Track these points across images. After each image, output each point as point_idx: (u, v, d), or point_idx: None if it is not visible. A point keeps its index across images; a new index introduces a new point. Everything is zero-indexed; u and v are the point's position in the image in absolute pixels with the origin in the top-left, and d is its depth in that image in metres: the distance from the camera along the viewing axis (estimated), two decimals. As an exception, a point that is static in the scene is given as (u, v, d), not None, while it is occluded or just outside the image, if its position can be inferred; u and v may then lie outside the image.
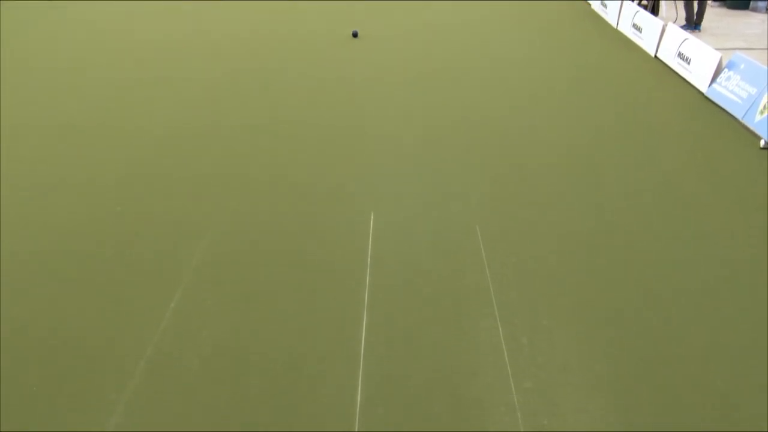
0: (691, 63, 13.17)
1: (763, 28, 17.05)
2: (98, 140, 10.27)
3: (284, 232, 7.95)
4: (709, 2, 17.36)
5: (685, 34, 13.74)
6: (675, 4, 17.46)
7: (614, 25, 17.44)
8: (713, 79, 12.32)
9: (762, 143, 10.44)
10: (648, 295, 6.57)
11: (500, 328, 6.37)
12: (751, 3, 19.18)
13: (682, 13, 16.87)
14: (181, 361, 5.88)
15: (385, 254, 7.52)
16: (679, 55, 13.68)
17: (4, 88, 12.54)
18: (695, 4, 16.42)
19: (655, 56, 14.71)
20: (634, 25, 16.11)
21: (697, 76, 12.89)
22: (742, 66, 11.71)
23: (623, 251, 7.55)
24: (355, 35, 13.99)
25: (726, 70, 12.14)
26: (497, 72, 13.59)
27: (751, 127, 10.98)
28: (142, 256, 7.36)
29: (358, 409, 5.40)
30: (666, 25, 14.57)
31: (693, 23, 16.37)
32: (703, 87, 12.57)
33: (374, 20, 17.48)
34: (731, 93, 11.82)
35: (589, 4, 19.60)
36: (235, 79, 13.10)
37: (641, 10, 15.92)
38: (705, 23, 16.69)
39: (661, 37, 14.61)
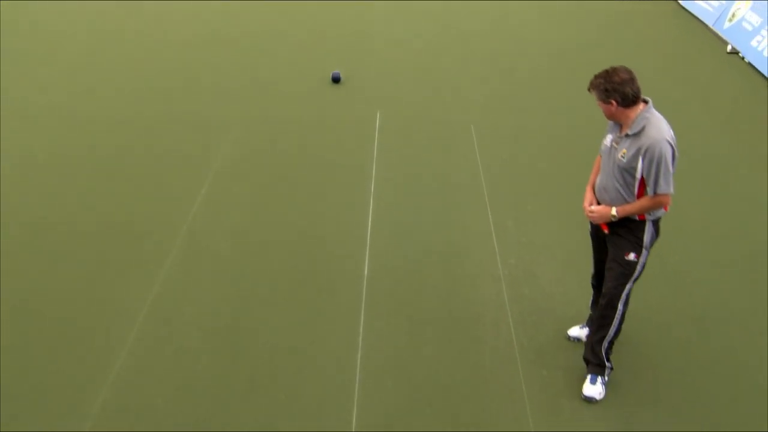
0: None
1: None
2: (135, 49, 10.24)
3: (299, 128, 7.97)
4: None
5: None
6: None
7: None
8: (688, -11, 12.12)
9: (728, 48, 10.42)
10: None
11: (490, 214, 6.46)
12: None
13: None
14: (213, 238, 5.99)
15: (389, 149, 7.54)
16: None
17: None
18: None
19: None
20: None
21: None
22: (715, -23, 11.41)
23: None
24: (336, 80, 8.36)
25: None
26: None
27: (720, 34, 10.92)
28: (177, 150, 7.39)
29: (365, 281, 5.51)
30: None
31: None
32: (678, -4, 12.37)
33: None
34: (704, 2, 11.70)
35: None
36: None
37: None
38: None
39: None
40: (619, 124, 4.15)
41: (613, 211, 4.16)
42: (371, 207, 6.54)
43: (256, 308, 5.25)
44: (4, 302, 5.24)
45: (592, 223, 4.58)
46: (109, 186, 6.74)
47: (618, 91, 3.95)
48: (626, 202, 4.17)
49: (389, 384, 4.66)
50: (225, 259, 5.75)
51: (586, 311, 4.98)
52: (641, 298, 5.27)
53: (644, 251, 4.28)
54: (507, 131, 8.10)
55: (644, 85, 4.11)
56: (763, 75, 9.72)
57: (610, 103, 3.99)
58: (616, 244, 4.34)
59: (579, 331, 4.95)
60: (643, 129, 3.98)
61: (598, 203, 4.37)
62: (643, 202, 4.09)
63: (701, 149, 7.71)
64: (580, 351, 4.77)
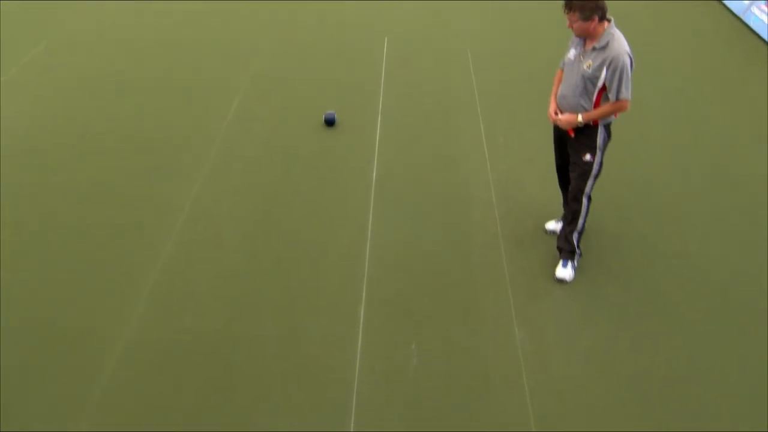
0: None
1: None
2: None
3: (318, 55, 8.00)
4: None
5: None
6: None
7: None
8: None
9: None
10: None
11: (482, 128, 6.58)
12: None
13: None
14: (242, 148, 6.13)
15: (395, 73, 7.62)
16: None
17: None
18: None
19: None
20: None
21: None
22: None
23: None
24: (329, 122, 6.45)
25: None
26: None
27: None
28: (208, 72, 7.47)
29: (373, 188, 5.68)
30: None
31: None
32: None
33: None
34: None
35: None
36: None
37: None
38: None
39: None
40: (583, 40, 4.26)
41: (579, 117, 4.29)
42: (379, 122, 6.67)
43: (281, 205, 5.44)
44: (67, 189, 5.49)
45: (555, 131, 4.71)
46: (157, 101, 6.85)
47: (600, 8, 4.07)
48: (584, 108, 4.31)
49: (392, 265, 4.87)
50: (253, 162, 5.93)
51: (561, 209, 5.13)
52: (609, 200, 5.51)
53: (598, 152, 4.44)
54: (499, 56, 8.15)
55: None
56: None
57: (592, 20, 4.08)
58: (575, 148, 4.50)
59: (554, 225, 5.14)
60: (608, 43, 4.11)
61: (561, 111, 4.49)
62: (606, 107, 4.24)
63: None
64: (555, 242, 4.95)
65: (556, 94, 4.56)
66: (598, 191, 4.83)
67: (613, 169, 5.72)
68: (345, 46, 8.29)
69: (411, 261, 4.94)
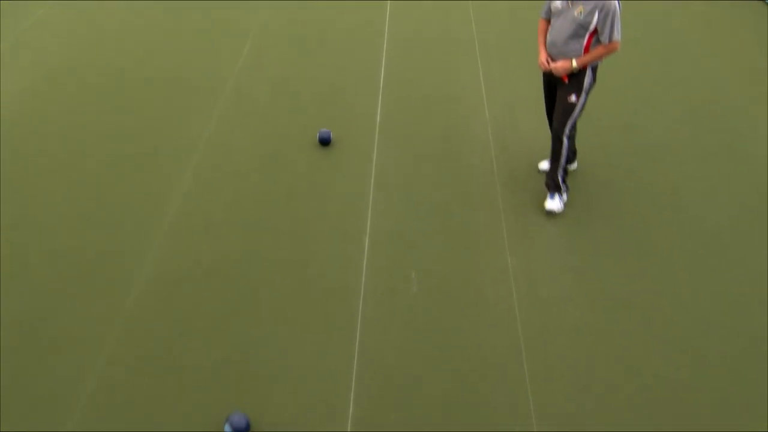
0: None
1: None
2: None
3: (319, 17, 7.83)
4: None
5: None
6: None
7: None
8: None
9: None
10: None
11: (480, 68, 6.66)
12: None
13: None
14: (254, 90, 6.19)
15: (398, 27, 7.56)
16: None
17: None
18: None
19: None
20: None
21: None
22: None
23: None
24: (324, 141, 5.49)
25: None
26: None
27: None
28: (221, 20, 7.48)
29: (377, 127, 5.77)
30: None
31: None
32: None
33: None
34: None
35: None
36: None
37: None
38: None
39: None
40: None
41: (574, 63, 4.35)
42: (384, 61, 6.73)
43: (291, 141, 5.54)
44: (92, 125, 5.60)
45: (545, 77, 4.76)
46: (172, 45, 6.91)
47: None
48: (576, 53, 4.36)
49: (395, 198, 5.00)
50: (264, 104, 6.00)
51: None
52: (598, 142, 5.62)
53: (583, 94, 4.51)
54: (499, 5, 8.11)
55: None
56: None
57: None
58: (563, 90, 4.55)
59: (547, 165, 5.16)
60: None
61: (553, 59, 4.53)
62: (599, 50, 4.30)
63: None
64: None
65: (544, 43, 4.61)
66: (588, 135, 4.98)
67: (602, 114, 5.87)
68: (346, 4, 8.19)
69: (411, 191, 5.06)
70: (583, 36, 4.31)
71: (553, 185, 4.83)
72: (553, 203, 4.83)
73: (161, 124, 5.71)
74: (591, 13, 4.21)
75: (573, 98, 4.51)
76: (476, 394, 3.67)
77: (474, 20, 7.77)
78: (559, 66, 4.43)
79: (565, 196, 4.90)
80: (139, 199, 4.90)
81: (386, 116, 5.91)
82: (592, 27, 4.25)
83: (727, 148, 5.72)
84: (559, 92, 4.62)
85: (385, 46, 7.10)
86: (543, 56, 4.57)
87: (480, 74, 6.61)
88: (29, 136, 5.50)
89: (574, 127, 4.69)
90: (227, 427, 3.36)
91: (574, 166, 5.25)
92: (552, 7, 4.47)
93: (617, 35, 4.27)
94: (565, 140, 4.67)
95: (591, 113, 5.33)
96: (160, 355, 3.80)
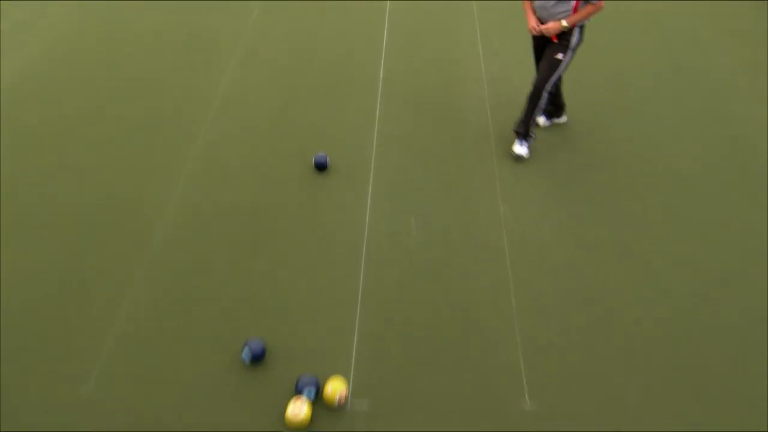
0: None
1: None
2: None
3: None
4: None
5: None
6: None
7: None
8: None
9: None
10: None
11: (478, 31, 6.71)
12: None
13: None
14: (264, 47, 6.29)
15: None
16: None
17: None
18: None
19: None
20: None
21: None
22: None
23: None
24: (320, 165, 4.87)
25: None
26: None
27: None
28: None
29: (381, 81, 5.88)
30: None
31: None
32: None
33: None
34: None
35: None
36: None
37: None
38: None
39: None
40: None
41: (564, 23, 4.42)
42: (386, 24, 6.79)
43: (301, 96, 5.67)
44: (114, 80, 5.72)
45: (534, 40, 4.82)
46: (189, 13, 6.97)
47: None
48: (565, 13, 4.42)
49: (397, 150, 5.13)
50: (274, 62, 6.11)
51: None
52: (584, 100, 5.70)
53: (570, 52, 4.58)
54: None
55: None
56: None
57: None
58: (552, 48, 4.62)
59: (541, 119, 5.38)
60: None
61: (543, 22, 4.59)
62: (587, 8, 4.35)
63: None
64: (540, 132, 5.25)
65: (531, 10, 4.66)
66: (574, 91, 5.11)
67: (588, 71, 5.95)
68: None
69: (413, 147, 5.17)
70: None
71: (523, 133, 4.97)
72: (522, 149, 5.00)
73: (179, 78, 5.85)
74: None
75: (560, 55, 4.59)
76: (469, 324, 3.89)
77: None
78: (551, 27, 4.49)
79: (531, 143, 5.06)
80: (161, 150, 5.08)
81: (388, 77, 6.00)
82: None
83: (705, 107, 5.79)
84: (547, 50, 4.69)
85: (387, 10, 7.14)
86: (532, 21, 4.62)
87: (477, 34, 6.67)
88: (68, 91, 5.68)
89: (555, 84, 4.77)
90: (245, 351, 3.60)
91: (563, 119, 5.38)
92: None
93: None
94: (545, 95, 4.75)
95: (577, 71, 5.41)
96: (183, 289, 4.03)
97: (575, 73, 5.34)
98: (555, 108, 5.19)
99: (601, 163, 5.12)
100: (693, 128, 5.53)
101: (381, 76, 5.99)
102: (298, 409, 3.36)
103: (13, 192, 4.70)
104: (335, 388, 3.45)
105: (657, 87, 6.03)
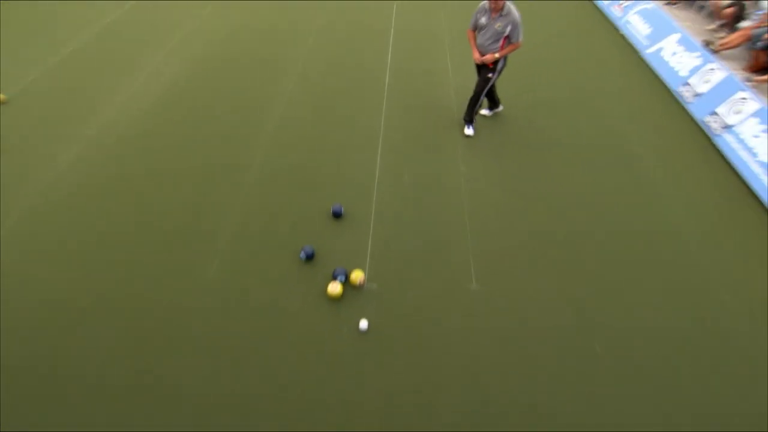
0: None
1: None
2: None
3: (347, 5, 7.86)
4: None
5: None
6: None
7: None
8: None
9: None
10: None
11: (448, 56, 6.82)
12: None
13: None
14: (315, 65, 6.37)
15: (401, 23, 7.73)
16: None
17: None
18: None
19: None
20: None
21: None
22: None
23: None
24: (337, 214, 4.56)
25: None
26: None
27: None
28: (293, 21, 7.45)
29: (386, 88, 6.12)
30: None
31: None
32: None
33: None
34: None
35: None
36: None
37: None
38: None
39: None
40: (490, 11, 4.73)
41: (497, 54, 4.84)
42: (390, 48, 6.96)
43: (329, 87, 5.97)
44: (219, 80, 5.93)
45: (476, 65, 5.11)
46: (269, 38, 6.96)
47: None
48: (497, 49, 4.85)
49: (397, 129, 5.41)
50: (323, 73, 6.29)
51: (486, 102, 5.71)
52: (509, 99, 5.97)
53: (497, 72, 4.98)
54: (464, 7, 7.86)
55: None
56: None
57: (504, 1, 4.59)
58: (486, 69, 5.03)
59: (485, 111, 5.78)
60: (509, 11, 4.69)
61: (482, 54, 4.91)
62: (510, 47, 4.78)
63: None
64: (486, 120, 5.61)
65: (475, 45, 4.96)
66: (504, 95, 5.49)
67: (512, 84, 6.15)
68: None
69: (407, 128, 5.47)
70: (500, 39, 4.82)
71: (470, 120, 5.38)
72: (470, 131, 5.42)
73: (262, 81, 6.00)
74: (505, 26, 4.75)
75: (491, 75, 5.01)
76: (439, 238, 4.33)
77: (444, 20, 7.88)
78: (487, 58, 4.87)
79: (474, 125, 5.46)
80: (248, 120, 5.35)
81: (391, 82, 6.21)
82: (505, 33, 4.78)
83: (589, 107, 6.11)
84: (482, 71, 5.08)
85: (391, 38, 7.28)
86: (476, 54, 4.94)
87: (447, 58, 6.87)
88: (196, 91, 5.82)
89: (487, 91, 5.17)
90: (302, 253, 4.11)
91: (500, 108, 5.72)
92: (478, 23, 4.87)
93: (521, 38, 4.78)
94: (482, 97, 5.18)
95: (505, 83, 5.73)
96: (266, 213, 4.47)
97: (503, 83, 5.61)
98: (493, 103, 5.59)
99: (526, 138, 5.45)
100: (583, 119, 5.88)
101: (386, 82, 6.18)
102: (334, 287, 3.88)
103: (183, 155, 4.94)
104: (357, 275, 3.95)
105: (557, 92, 6.29)
